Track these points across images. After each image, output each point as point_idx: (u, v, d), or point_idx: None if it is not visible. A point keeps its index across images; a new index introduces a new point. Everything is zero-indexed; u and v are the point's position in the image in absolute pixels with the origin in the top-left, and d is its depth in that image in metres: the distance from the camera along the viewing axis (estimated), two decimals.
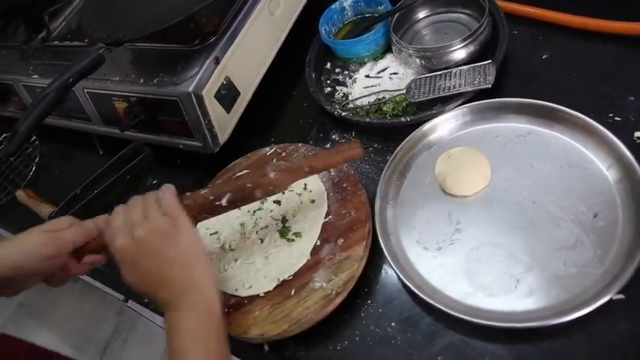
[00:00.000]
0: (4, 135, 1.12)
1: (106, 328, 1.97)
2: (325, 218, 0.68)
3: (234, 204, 0.60)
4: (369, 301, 0.63)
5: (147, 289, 0.55)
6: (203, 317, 0.53)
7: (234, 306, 0.65)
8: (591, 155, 0.63)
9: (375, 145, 0.77)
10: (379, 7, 0.89)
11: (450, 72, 0.75)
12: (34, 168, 1.07)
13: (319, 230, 0.67)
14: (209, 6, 0.71)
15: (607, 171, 0.61)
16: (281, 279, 0.64)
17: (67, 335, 2.01)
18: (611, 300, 0.51)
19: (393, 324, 0.60)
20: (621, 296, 0.52)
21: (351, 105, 0.81)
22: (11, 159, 1.10)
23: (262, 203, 0.74)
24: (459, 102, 0.71)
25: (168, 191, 0.57)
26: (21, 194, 0.99)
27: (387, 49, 0.86)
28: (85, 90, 0.86)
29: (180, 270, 0.54)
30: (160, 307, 0.55)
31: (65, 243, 0.58)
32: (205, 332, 0.52)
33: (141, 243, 0.53)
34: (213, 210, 0.60)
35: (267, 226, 0.71)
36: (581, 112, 0.64)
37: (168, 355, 0.52)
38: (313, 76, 0.87)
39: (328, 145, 0.81)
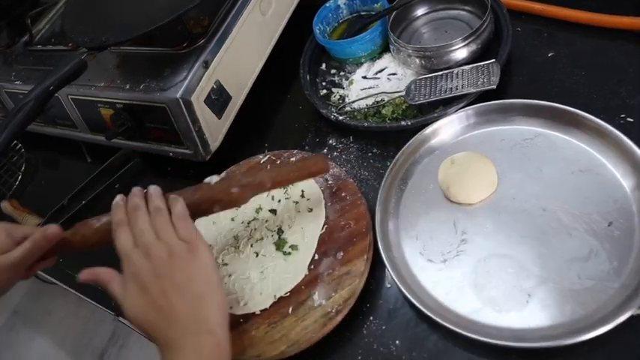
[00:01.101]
0: None
1: (102, 333, 1.94)
2: (322, 229, 0.65)
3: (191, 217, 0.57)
4: (371, 318, 0.59)
5: (150, 322, 0.50)
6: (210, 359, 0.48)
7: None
8: (603, 159, 0.59)
9: (375, 151, 0.73)
10: (375, 5, 0.85)
11: (452, 72, 0.71)
12: (20, 177, 1.03)
13: (316, 243, 0.63)
14: (197, 7, 0.68)
15: (621, 177, 0.57)
16: (278, 295, 0.61)
17: (62, 341, 1.99)
18: (632, 316, 0.48)
19: (397, 342, 0.57)
20: None
21: (348, 108, 0.78)
22: None
23: (257, 213, 0.71)
24: (462, 104, 0.68)
25: (179, 205, 0.54)
26: (6, 205, 0.95)
27: (385, 49, 0.83)
28: (70, 97, 0.83)
29: (191, 302, 0.49)
30: (159, 343, 0.49)
31: (13, 268, 0.53)
32: None
33: (156, 267, 0.50)
34: None
35: (262, 238, 0.67)
36: (590, 114, 0.61)
37: None
38: (308, 78, 0.83)
39: (325, 151, 0.77)
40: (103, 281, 0.53)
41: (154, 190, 0.56)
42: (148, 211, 0.54)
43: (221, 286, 0.52)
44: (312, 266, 0.62)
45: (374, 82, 0.79)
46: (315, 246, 0.63)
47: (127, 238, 0.52)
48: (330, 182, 0.69)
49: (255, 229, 0.69)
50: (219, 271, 0.53)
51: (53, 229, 0.55)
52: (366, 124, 0.73)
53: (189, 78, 0.70)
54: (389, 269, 0.59)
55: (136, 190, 0.56)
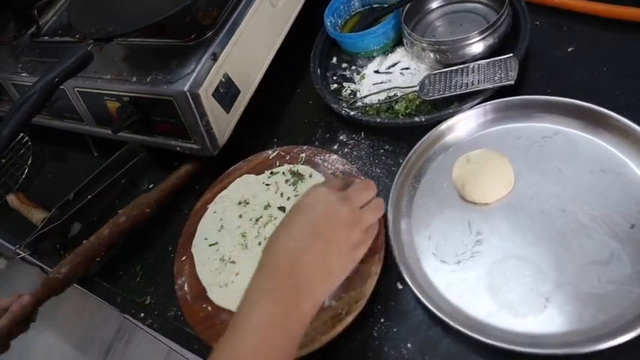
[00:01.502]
0: None
1: (108, 328, 1.94)
2: None
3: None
4: (382, 320, 0.58)
5: (308, 253, 0.50)
6: (289, 318, 0.47)
7: None
8: (626, 159, 0.57)
9: (387, 147, 0.71)
10: None
11: (468, 67, 0.69)
12: (26, 170, 1.02)
13: None
14: None
15: None
16: None
17: (69, 335, 1.99)
18: None
19: (408, 345, 0.55)
20: None
21: (359, 103, 0.76)
22: (3, 161, 1.05)
23: (266, 209, 0.69)
24: (478, 100, 0.66)
25: (380, 205, 0.58)
26: (12, 199, 0.94)
27: (398, 43, 0.80)
28: (76, 89, 0.81)
29: (330, 276, 0.51)
30: (266, 263, 0.51)
31: None
32: (280, 332, 0.47)
33: (340, 216, 0.52)
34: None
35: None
36: (613, 111, 0.58)
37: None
38: (319, 72, 0.81)
39: (335, 147, 0.75)
40: None
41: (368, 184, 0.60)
42: None
43: (337, 283, 0.53)
44: None
45: (386, 76, 0.77)
46: None
47: (339, 184, 0.58)
48: None
49: (264, 227, 0.67)
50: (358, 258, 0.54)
51: (27, 298, 0.65)
52: (378, 120, 0.71)
53: (197, 70, 0.69)
54: (401, 270, 0.57)
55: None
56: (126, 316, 0.83)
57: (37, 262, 0.86)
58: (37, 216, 0.89)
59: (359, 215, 0.54)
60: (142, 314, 0.71)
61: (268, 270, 0.50)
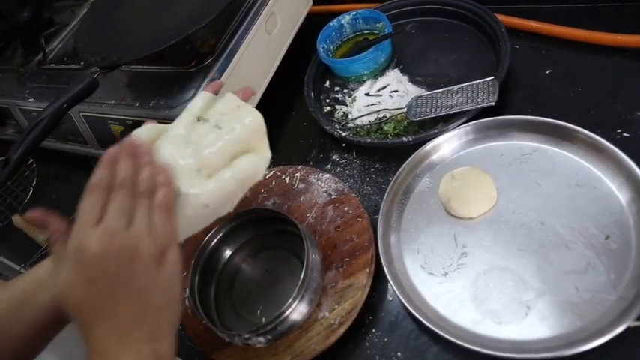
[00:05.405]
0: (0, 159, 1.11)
1: None
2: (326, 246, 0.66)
3: None
4: (373, 330, 0.60)
5: (85, 316, 0.41)
6: None
7: None
8: (600, 174, 0.61)
9: (377, 166, 0.75)
10: (378, 25, 0.88)
11: (452, 89, 0.73)
12: (31, 192, 1.05)
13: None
14: (205, 27, 0.70)
15: (617, 191, 0.59)
16: None
17: (70, 354, 1.99)
18: (628, 328, 0.49)
19: (399, 353, 0.58)
20: (638, 323, 0.50)
21: (351, 124, 0.80)
22: (8, 183, 1.08)
23: None
24: (462, 120, 0.69)
25: (165, 194, 0.45)
26: (17, 219, 0.97)
27: (387, 67, 0.85)
28: (81, 113, 0.85)
29: (143, 311, 0.42)
30: (90, 343, 0.41)
31: None
32: None
33: (111, 262, 0.41)
34: None
35: None
36: (587, 129, 0.62)
37: None
38: (312, 95, 0.85)
39: (329, 166, 0.79)
40: (52, 233, 0.45)
41: (148, 159, 0.47)
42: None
43: (181, 302, 0.46)
44: None
45: (376, 99, 0.81)
46: None
47: (95, 207, 0.43)
48: (333, 197, 0.70)
49: None
50: (180, 285, 0.45)
51: None
52: (368, 141, 0.75)
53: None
54: (391, 282, 0.60)
55: (129, 148, 0.47)
56: None
57: None
58: (41, 236, 0.92)
59: (128, 235, 0.42)
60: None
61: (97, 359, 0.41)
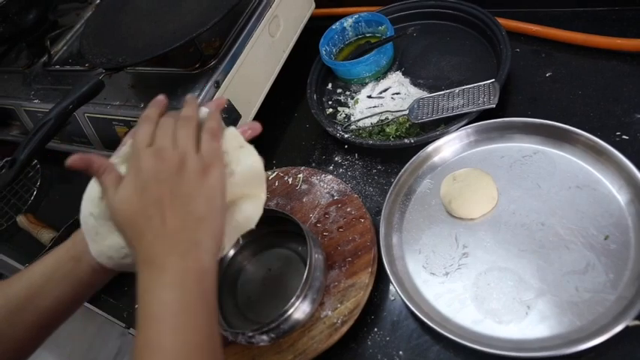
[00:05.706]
0: (5, 159, 1.12)
1: (108, 350, 1.95)
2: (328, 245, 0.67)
3: None
4: (375, 329, 0.61)
5: (136, 228, 0.44)
6: (191, 290, 0.42)
7: None
8: (600, 175, 0.62)
9: (379, 167, 0.76)
10: (380, 27, 0.89)
11: (453, 92, 0.74)
12: (35, 192, 1.06)
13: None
14: (209, 30, 0.71)
15: (617, 192, 0.59)
16: None
17: (69, 357, 1.99)
18: (627, 327, 0.49)
19: (400, 352, 0.59)
20: (637, 322, 0.50)
21: (353, 126, 0.81)
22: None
23: None
24: (463, 122, 0.70)
25: (214, 122, 0.49)
26: (21, 219, 0.98)
27: (389, 69, 0.86)
28: (86, 115, 0.86)
29: (186, 221, 0.44)
30: (139, 257, 0.44)
31: None
32: (190, 310, 0.42)
33: (162, 171, 0.45)
34: None
35: None
36: (587, 131, 0.63)
37: (136, 330, 0.42)
38: (315, 97, 0.86)
39: (331, 167, 0.79)
40: (97, 170, 0.48)
41: (190, 98, 0.53)
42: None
43: (224, 214, 0.47)
44: None
45: (378, 101, 0.82)
46: None
47: (146, 133, 0.48)
48: (336, 198, 0.71)
49: None
50: (226, 199, 0.47)
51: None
52: (370, 142, 0.76)
53: (201, 97, 0.73)
54: (392, 282, 0.60)
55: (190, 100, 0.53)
56: (130, 331, 0.86)
57: None
58: (45, 236, 0.93)
59: (176, 152, 0.46)
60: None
61: (144, 266, 0.44)
